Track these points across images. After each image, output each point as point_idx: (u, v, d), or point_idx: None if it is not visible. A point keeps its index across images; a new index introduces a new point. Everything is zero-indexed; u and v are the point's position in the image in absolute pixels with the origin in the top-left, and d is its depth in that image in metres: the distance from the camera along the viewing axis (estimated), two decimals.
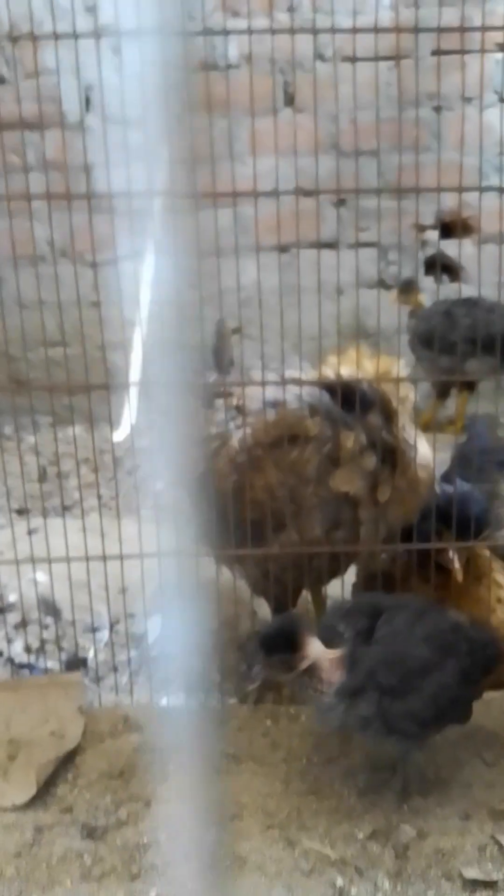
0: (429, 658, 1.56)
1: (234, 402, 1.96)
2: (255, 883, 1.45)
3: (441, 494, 1.93)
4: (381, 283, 3.73)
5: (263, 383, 1.87)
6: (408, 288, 3.29)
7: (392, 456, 1.89)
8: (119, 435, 3.25)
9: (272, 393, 1.91)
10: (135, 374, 3.48)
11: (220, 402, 1.97)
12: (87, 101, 3.41)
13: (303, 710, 1.85)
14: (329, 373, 1.93)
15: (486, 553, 1.94)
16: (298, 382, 1.90)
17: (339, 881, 1.45)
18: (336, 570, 1.98)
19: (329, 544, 1.88)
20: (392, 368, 1.91)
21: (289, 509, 1.87)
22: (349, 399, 1.89)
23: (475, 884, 1.42)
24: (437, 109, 3.57)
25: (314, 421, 1.86)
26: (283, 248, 3.57)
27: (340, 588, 2.07)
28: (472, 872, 1.44)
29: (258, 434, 1.89)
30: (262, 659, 1.54)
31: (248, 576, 2.00)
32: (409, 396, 1.96)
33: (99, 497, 2.94)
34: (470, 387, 3.36)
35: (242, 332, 3.34)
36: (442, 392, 3.42)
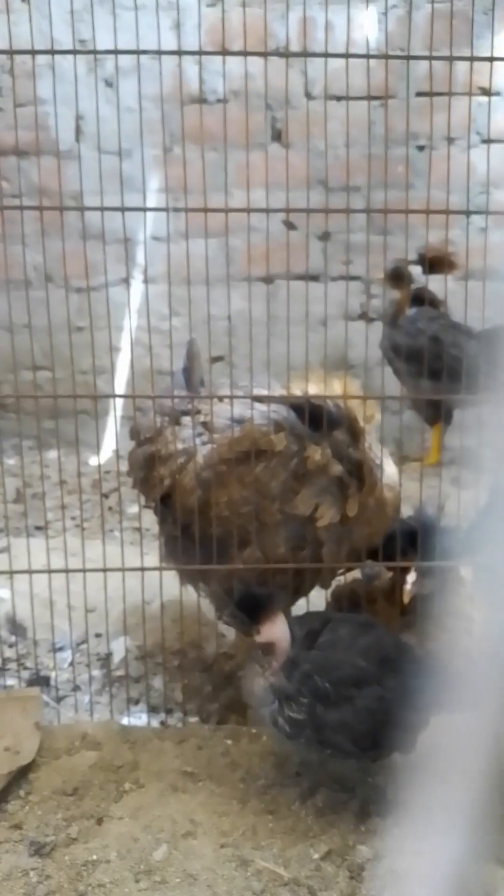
0: (365, 669, 1.54)
1: (202, 418, 1.97)
2: None
3: (406, 521, 1.93)
4: (364, 316, 3.78)
5: (231, 398, 1.88)
6: (396, 275, 3.28)
7: (359, 472, 1.89)
8: (99, 459, 3.26)
9: (239, 410, 1.92)
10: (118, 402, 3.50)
11: (187, 418, 1.98)
12: (78, 130, 3.49)
13: (264, 731, 1.82)
14: (296, 391, 1.94)
15: (464, 582, 1.93)
16: (265, 399, 1.91)
17: None
18: (300, 589, 1.97)
19: (293, 562, 1.87)
20: (356, 390, 1.93)
21: (253, 526, 1.87)
22: (316, 418, 1.90)
23: None
24: (421, 148, 3.67)
25: (279, 436, 1.87)
26: (267, 280, 3.64)
27: (306, 607, 2.05)
28: (425, 893, 1.40)
29: (223, 450, 1.89)
30: (232, 612, 1.60)
31: (213, 593, 1.98)
32: (375, 416, 1.97)
33: (72, 518, 2.94)
34: (447, 418, 3.37)
35: (226, 360, 3.38)
36: (433, 418, 3.35)
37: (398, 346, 3.23)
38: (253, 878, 1.46)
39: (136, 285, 3.67)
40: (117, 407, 3.64)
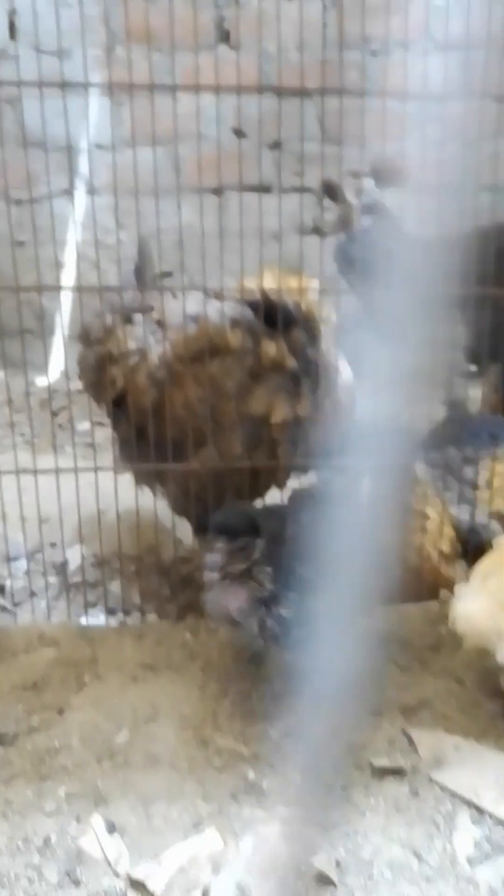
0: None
1: (155, 316, 1.92)
2: (167, 778, 1.44)
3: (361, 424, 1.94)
4: (318, 230, 3.72)
5: (184, 291, 1.84)
6: (329, 193, 3.24)
7: (315, 371, 1.89)
8: (46, 379, 3.19)
9: (193, 307, 1.88)
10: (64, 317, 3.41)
11: (139, 317, 1.93)
12: (12, 27, 3.28)
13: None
14: (252, 287, 1.91)
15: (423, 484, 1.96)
16: (220, 295, 1.88)
17: (251, 775, 1.46)
18: (257, 489, 1.98)
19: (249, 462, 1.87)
20: (313, 286, 1.91)
21: (209, 426, 1.85)
22: (272, 316, 1.88)
23: (384, 771, 1.45)
24: (374, 53, 3.56)
25: (235, 333, 1.84)
26: (218, 191, 3.53)
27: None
28: (381, 761, 1.47)
29: (178, 348, 1.86)
30: (223, 547, 1.50)
31: (169, 494, 1.98)
32: (331, 317, 1.96)
33: (21, 434, 2.88)
34: None
35: (176, 275, 3.29)
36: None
37: (351, 259, 3.20)
38: (214, 756, 1.49)
39: (80, 197, 3.53)
40: (64, 325, 3.54)
